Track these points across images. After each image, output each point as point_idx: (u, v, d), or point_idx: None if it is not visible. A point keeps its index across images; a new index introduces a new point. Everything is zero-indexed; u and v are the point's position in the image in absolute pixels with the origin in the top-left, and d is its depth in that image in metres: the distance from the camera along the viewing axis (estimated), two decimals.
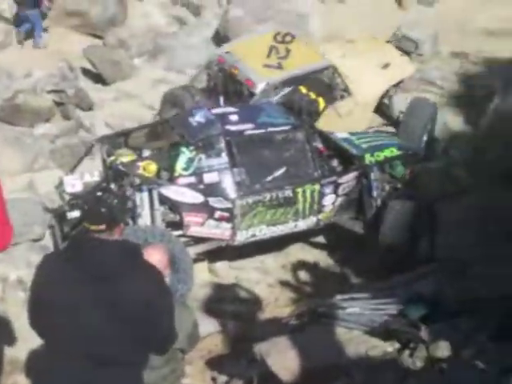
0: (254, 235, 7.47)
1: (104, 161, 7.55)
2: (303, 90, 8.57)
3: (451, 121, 10.49)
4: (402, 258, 7.22)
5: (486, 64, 11.63)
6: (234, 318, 6.92)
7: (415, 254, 7.41)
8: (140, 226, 6.85)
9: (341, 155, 7.93)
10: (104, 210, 2.98)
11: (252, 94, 9.13)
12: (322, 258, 8.34)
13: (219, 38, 13.74)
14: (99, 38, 13.67)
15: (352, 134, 8.54)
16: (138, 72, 12.74)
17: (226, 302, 7.10)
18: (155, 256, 3.30)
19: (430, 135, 9.61)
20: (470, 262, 6.78)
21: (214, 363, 5.91)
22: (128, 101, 11.67)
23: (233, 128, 7.41)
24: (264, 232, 7.50)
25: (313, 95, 8.47)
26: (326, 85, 9.65)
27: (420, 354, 4.42)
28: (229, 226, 7.20)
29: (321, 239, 8.61)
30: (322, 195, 7.55)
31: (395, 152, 8.11)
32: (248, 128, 7.42)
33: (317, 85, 9.48)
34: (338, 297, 5.84)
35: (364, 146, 8.14)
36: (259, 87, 9.13)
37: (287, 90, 8.94)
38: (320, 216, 7.71)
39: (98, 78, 12.37)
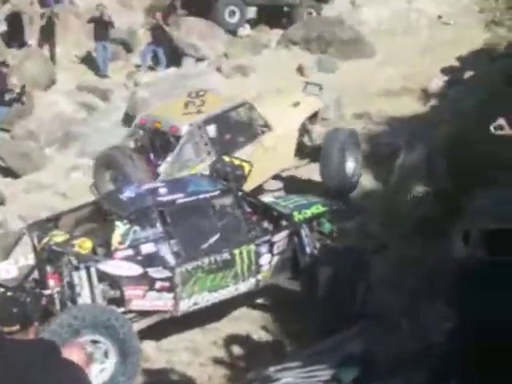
0: (196, 303, 7.44)
1: (35, 247, 7.38)
2: (226, 158, 8.78)
3: (362, 179, 10.84)
4: (341, 313, 7.32)
5: (388, 122, 12.16)
6: None
7: (352, 308, 7.51)
8: (88, 306, 6.75)
9: (270, 216, 8.11)
10: (16, 309, 2.87)
11: (178, 139, 9.57)
12: (252, 329, 8.26)
13: (129, 120, 13.82)
14: (6, 131, 13.49)
15: (277, 197, 8.92)
16: (49, 162, 12.60)
17: None
18: (73, 355, 3.19)
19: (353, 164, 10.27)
20: (394, 318, 6.93)
21: None
22: (40, 191, 11.46)
23: (164, 199, 7.51)
24: (206, 299, 7.49)
25: (236, 161, 8.67)
26: (245, 122, 10.32)
27: None
28: (170, 295, 7.17)
29: (250, 309, 8.59)
30: (258, 255, 7.66)
31: (320, 208, 8.36)
32: (179, 197, 7.54)
33: (236, 124, 10.22)
34: (271, 368, 5.78)
35: (291, 206, 8.36)
36: (183, 129, 9.61)
37: (211, 159, 9.22)
38: (259, 276, 7.78)
39: (8, 172, 12.15)
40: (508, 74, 10.61)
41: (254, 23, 18.40)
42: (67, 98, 14.63)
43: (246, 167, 8.57)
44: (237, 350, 7.69)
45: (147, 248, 7.16)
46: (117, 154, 10.07)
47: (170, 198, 7.52)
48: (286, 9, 18.61)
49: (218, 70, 15.84)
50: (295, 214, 8.08)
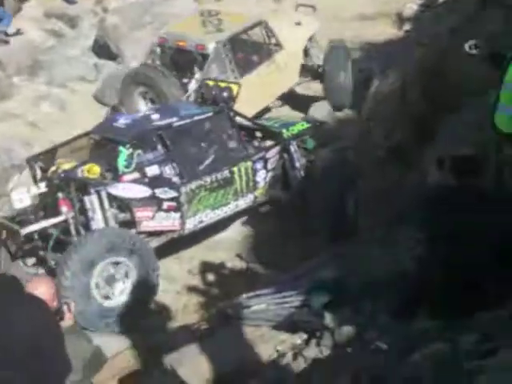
0: (201, 221, 7.78)
1: (35, 178, 7.55)
2: (210, 83, 8.90)
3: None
4: (333, 222, 7.73)
5: (362, 48, 11.99)
6: (144, 331, 6.81)
7: (343, 219, 7.85)
8: (108, 229, 6.97)
9: (261, 134, 8.56)
10: None
11: (205, 57, 9.76)
12: (227, 257, 8.35)
13: (99, 48, 13.52)
14: None
15: (263, 119, 9.46)
16: (17, 91, 12.29)
17: (133, 317, 6.95)
18: (40, 289, 3.17)
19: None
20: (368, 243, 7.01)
21: (127, 380, 5.79)
22: (10, 120, 11.26)
23: (160, 123, 7.73)
24: (210, 216, 7.84)
25: (222, 84, 8.79)
26: (260, 41, 10.58)
27: (326, 341, 4.49)
28: (178, 215, 7.47)
29: (223, 237, 8.65)
30: (254, 172, 8.05)
31: (306, 125, 8.78)
32: (174, 121, 7.77)
33: (253, 42, 10.50)
34: (244, 296, 5.85)
35: (277, 125, 8.80)
36: (211, 47, 9.78)
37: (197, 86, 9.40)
38: (256, 193, 8.19)
39: None
40: None
41: None
42: (35, 26, 14.15)
43: (234, 88, 8.66)
44: (212, 277, 7.78)
45: (152, 170, 7.42)
46: (149, 70, 10.12)
47: (165, 121, 7.74)
48: None
49: None
50: (284, 131, 8.49)
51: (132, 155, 7.33)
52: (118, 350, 6.30)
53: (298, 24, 11.06)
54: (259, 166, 8.11)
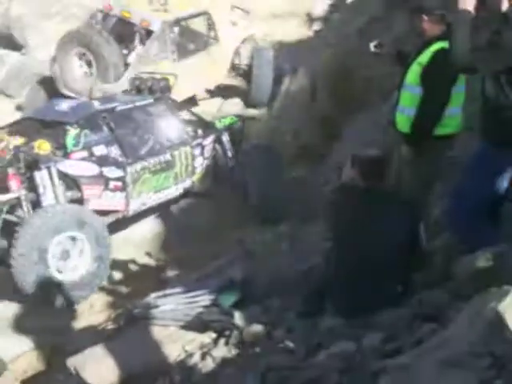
0: (144, 203, 8.00)
1: None
2: (144, 75, 9.12)
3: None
4: (271, 211, 7.96)
5: (273, 47, 12.08)
6: (48, 332, 6.61)
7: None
8: (67, 205, 7.06)
9: (195, 124, 8.77)
10: None
11: (149, 33, 9.89)
12: (137, 254, 8.22)
13: (2, 38, 13.04)
14: None
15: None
16: None
17: (36, 317, 6.74)
18: None
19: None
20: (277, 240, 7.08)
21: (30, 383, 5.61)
22: None
23: (104, 107, 7.90)
24: (152, 199, 8.06)
25: (157, 76, 9.01)
26: (198, 32, 10.87)
27: (234, 340, 4.48)
28: (123, 195, 7.65)
29: (132, 233, 8.51)
30: (193, 157, 8.34)
31: (235, 119, 9.18)
32: (117, 105, 7.99)
33: (192, 31, 10.74)
34: (153, 295, 5.76)
35: (209, 117, 9.16)
36: (156, 25, 9.92)
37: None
38: (194, 178, 8.44)
39: None
40: None
41: None
42: None
43: (171, 79, 9.01)
44: (119, 276, 7.65)
45: (99, 150, 7.54)
46: (92, 33, 10.04)
47: (109, 106, 7.93)
48: None
49: None
50: (216, 122, 8.89)
51: (79, 135, 7.44)
52: (20, 351, 6.12)
53: (235, 24, 11.41)
54: (197, 152, 8.40)
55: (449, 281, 3.72)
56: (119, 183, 7.60)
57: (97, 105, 8.02)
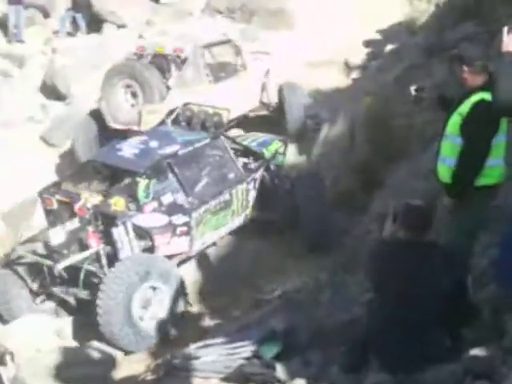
0: (204, 242, 8.24)
1: (46, 211, 7.76)
2: (195, 108, 9.34)
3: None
4: (322, 237, 8.26)
5: (312, 94, 12.16)
6: (89, 381, 6.59)
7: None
8: (150, 255, 7.38)
9: (246, 155, 9.02)
10: None
11: (184, 60, 10.40)
12: None
13: (46, 88, 13.39)
14: None
15: (237, 136, 9.84)
16: None
17: (76, 366, 6.73)
18: None
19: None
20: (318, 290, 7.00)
21: None
22: None
23: (165, 151, 8.09)
24: (212, 237, 8.34)
25: (210, 110, 9.24)
26: (227, 62, 11.29)
27: None
28: (188, 238, 7.89)
29: None
30: (247, 192, 8.60)
31: (279, 144, 9.43)
32: (178, 149, 8.15)
33: (219, 61, 11.18)
34: (193, 345, 5.73)
35: (254, 144, 9.31)
36: (188, 50, 10.45)
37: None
38: (247, 211, 8.68)
39: None
40: (427, 47, 10.77)
41: None
42: None
43: (224, 114, 9.07)
44: None
45: (167, 198, 7.83)
46: (136, 63, 10.57)
47: (170, 149, 8.10)
48: None
49: (140, 37, 15.46)
50: (264, 151, 9.13)
51: (148, 186, 7.69)
52: None
53: (256, 59, 11.75)
54: (251, 186, 8.65)
55: (500, 336, 3.61)
56: (185, 228, 7.83)
57: (157, 147, 8.18)
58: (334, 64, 13.79)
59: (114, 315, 6.78)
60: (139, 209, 7.62)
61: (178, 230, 7.76)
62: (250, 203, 8.68)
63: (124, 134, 9.59)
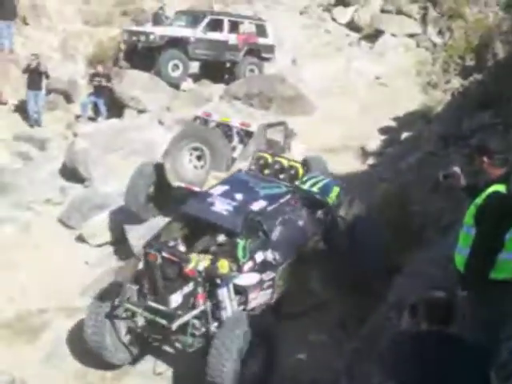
0: (283, 291, 8.53)
1: (147, 263, 7.88)
2: (268, 157, 9.99)
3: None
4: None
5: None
6: None
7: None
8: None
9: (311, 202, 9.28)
10: None
11: (250, 134, 10.94)
12: None
13: (67, 170, 13.59)
14: None
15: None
16: None
17: None
18: None
19: None
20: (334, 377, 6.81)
21: None
22: None
23: (254, 207, 8.46)
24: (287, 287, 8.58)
25: (285, 162, 9.86)
26: (277, 141, 11.75)
27: None
28: (271, 291, 8.28)
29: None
30: (318, 243, 9.05)
31: (338, 190, 9.74)
32: (264, 205, 8.55)
33: (271, 143, 11.54)
34: None
35: (316, 189, 9.50)
36: (255, 126, 10.97)
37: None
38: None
39: None
40: (443, 135, 10.91)
41: (196, 78, 18.54)
42: (2, 148, 14.26)
43: (300, 169, 9.71)
44: None
45: (259, 256, 8.12)
46: (206, 129, 11.09)
47: (257, 206, 8.49)
48: (228, 65, 18.85)
49: (160, 122, 15.82)
50: (328, 199, 9.45)
51: (245, 246, 8.00)
52: None
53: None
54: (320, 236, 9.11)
55: None
56: (270, 282, 8.21)
57: (246, 203, 8.48)
58: (350, 149, 14.00)
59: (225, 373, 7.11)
60: (239, 269, 7.91)
61: (265, 284, 8.16)
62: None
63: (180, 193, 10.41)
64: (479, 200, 4.48)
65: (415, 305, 4.03)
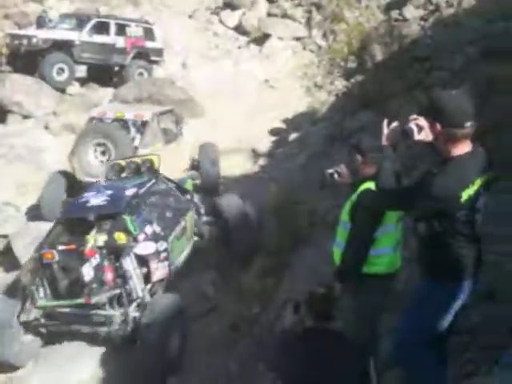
0: (176, 266, 8.95)
1: (45, 265, 7.92)
2: (122, 162, 10.34)
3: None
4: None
5: (222, 180, 12.34)
6: None
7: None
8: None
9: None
10: None
11: (144, 123, 11.79)
12: None
13: None
14: None
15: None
16: None
17: None
18: None
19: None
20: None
21: None
22: None
23: (128, 193, 8.87)
24: (178, 261, 9.07)
25: (139, 159, 10.32)
26: (169, 129, 12.64)
27: None
28: (167, 263, 8.60)
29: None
30: (193, 219, 9.84)
31: (190, 182, 10.89)
32: (135, 190, 8.97)
33: (164, 131, 12.37)
34: None
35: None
36: (149, 115, 11.89)
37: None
38: (193, 235, 9.85)
39: None
40: (328, 135, 11.23)
41: (84, 81, 18.14)
42: None
43: (154, 160, 10.12)
44: None
45: (148, 229, 8.55)
46: (108, 125, 11.76)
47: (132, 192, 8.90)
48: (116, 68, 18.58)
49: (46, 127, 15.38)
50: (186, 184, 10.55)
51: (132, 220, 8.40)
52: None
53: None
54: (193, 213, 9.87)
55: None
56: (165, 254, 8.56)
57: (121, 192, 8.90)
58: (241, 151, 14.13)
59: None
60: (134, 240, 8.22)
61: (162, 255, 8.48)
62: (194, 226, 9.81)
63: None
64: (354, 196, 4.66)
65: (298, 302, 4.13)
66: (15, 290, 8.25)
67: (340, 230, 4.77)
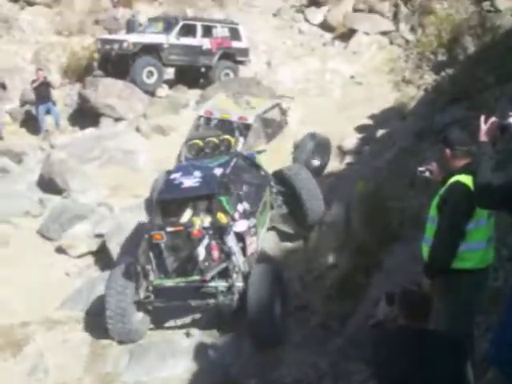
0: (261, 240, 9.70)
1: (153, 245, 8.59)
2: (200, 142, 10.95)
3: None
4: None
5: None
6: None
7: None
8: None
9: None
10: None
11: (248, 126, 11.64)
12: None
13: (44, 183, 13.50)
14: None
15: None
16: None
17: None
18: None
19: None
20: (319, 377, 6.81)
21: None
22: None
23: (217, 173, 9.45)
24: (262, 234, 9.77)
25: (216, 140, 10.88)
26: (274, 120, 12.67)
27: None
28: (255, 238, 9.26)
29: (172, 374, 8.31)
30: (271, 193, 10.55)
31: (262, 156, 11.18)
32: (222, 170, 9.53)
33: (269, 122, 12.41)
34: None
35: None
36: (252, 118, 11.70)
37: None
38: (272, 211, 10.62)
39: None
40: (418, 131, 10.97)
41: (172, 84, 18.52)
42: None
43: (231, 140, 10.80)
44: None
45: (240, 207, 9.19)
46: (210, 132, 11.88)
47: (219, 172, 9.45)
48: (203, 70, 18.86)
49: (137, 129, 15.78)
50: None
51: (227, 200, 9.02)
52: None
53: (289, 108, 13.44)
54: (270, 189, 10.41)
55: None
56: (254, 229, 9.23)
57: (209, 172, 9.42)
58: None
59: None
60: (232, 219, 8.91)
61: (252, 231, 9.12)
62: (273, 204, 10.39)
63: None
64: (442, 191, 4.52)
65: (391, 294, 4.04)
66: (126, 272, 8.79)
67: (428, 226, 4.64)
